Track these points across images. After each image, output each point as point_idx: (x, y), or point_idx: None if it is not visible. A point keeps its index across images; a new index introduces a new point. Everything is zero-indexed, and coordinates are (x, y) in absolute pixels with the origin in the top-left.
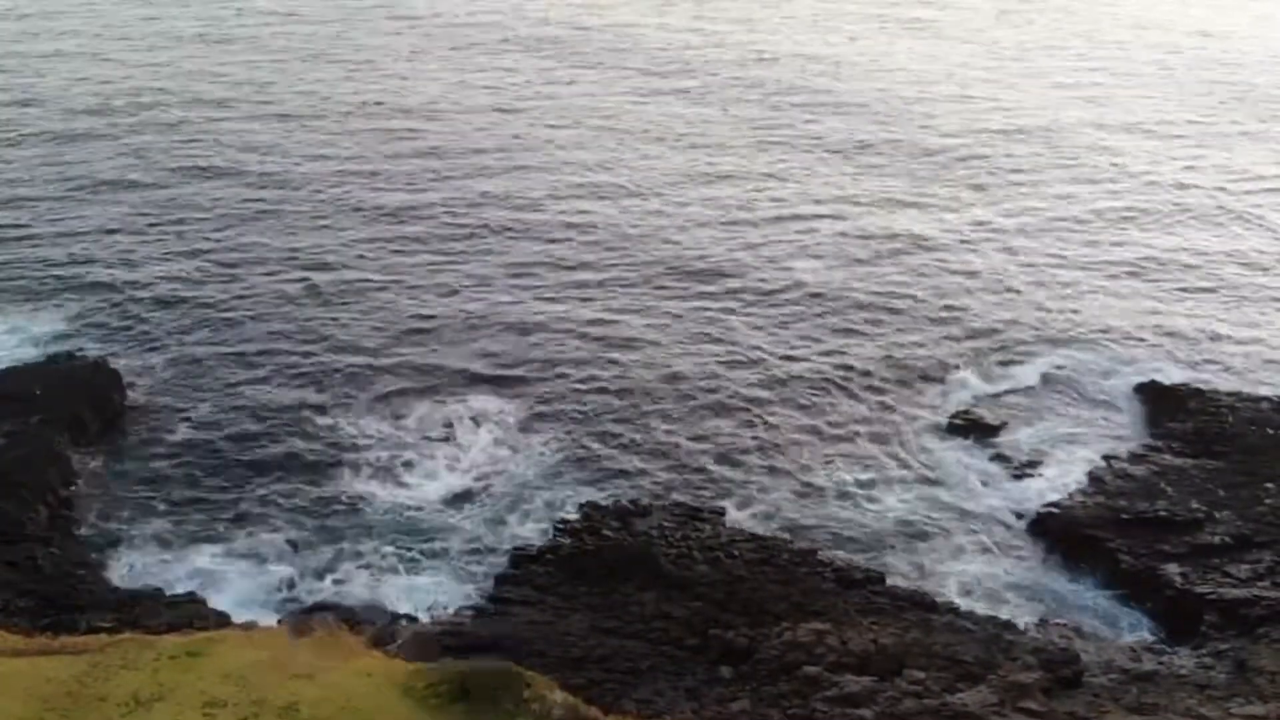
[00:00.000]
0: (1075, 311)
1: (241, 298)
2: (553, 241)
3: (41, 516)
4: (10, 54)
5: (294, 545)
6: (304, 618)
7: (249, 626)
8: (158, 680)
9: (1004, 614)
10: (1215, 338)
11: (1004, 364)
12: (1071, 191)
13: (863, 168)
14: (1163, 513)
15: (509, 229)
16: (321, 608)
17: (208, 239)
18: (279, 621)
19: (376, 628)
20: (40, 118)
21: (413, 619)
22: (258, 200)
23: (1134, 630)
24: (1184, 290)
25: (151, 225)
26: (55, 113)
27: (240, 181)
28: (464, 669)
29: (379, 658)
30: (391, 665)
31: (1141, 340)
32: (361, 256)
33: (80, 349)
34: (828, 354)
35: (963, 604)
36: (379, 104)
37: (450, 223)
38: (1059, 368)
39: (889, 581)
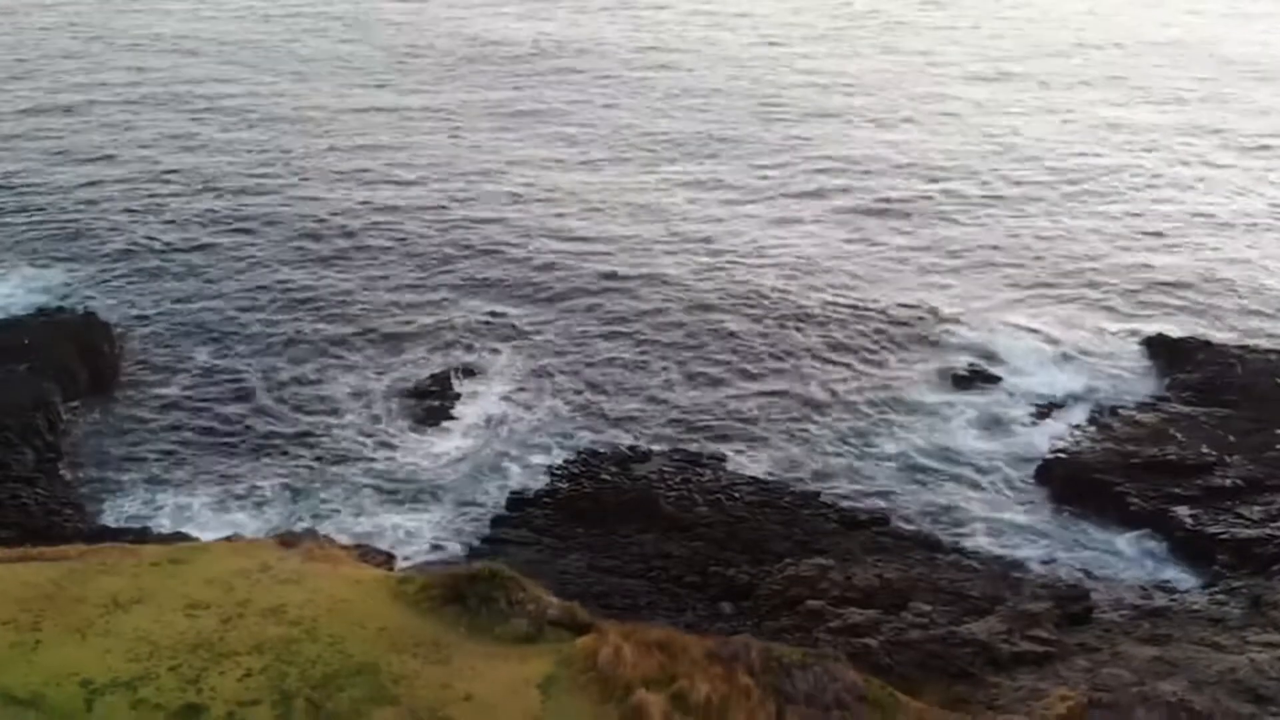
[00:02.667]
0: (1081, 266)
1: (237, 258)
2: (552, 200)
3: (28, 459)
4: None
5: (289, 490)
6: (293, 533)
7: (234, 539)
8: (138, 584)
9: (1011, 555)
10: (1222, 292)
11: (1008, 317)
12: (1081, 150)
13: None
14: (1172, 457)
15: (507, 195)
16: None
17: (203, 201)
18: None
19: (368, 551)
20: (35, 88)
21: (407, 559)
22: (253, 166)
23: (1144, 570)
24: (1186, 245)
25: (146, 187)
26: (46, 82)
27: (235, 147)
28: (456, 572)
29: (368, 567)
30: (381, 573)
31: (1148, 294)
32: (359, 218)
33: (71, 303)
34: (830, 306)
35: (969, 545)
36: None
37: (447, 186)
38: (1063, 321)
39: (893, 524)
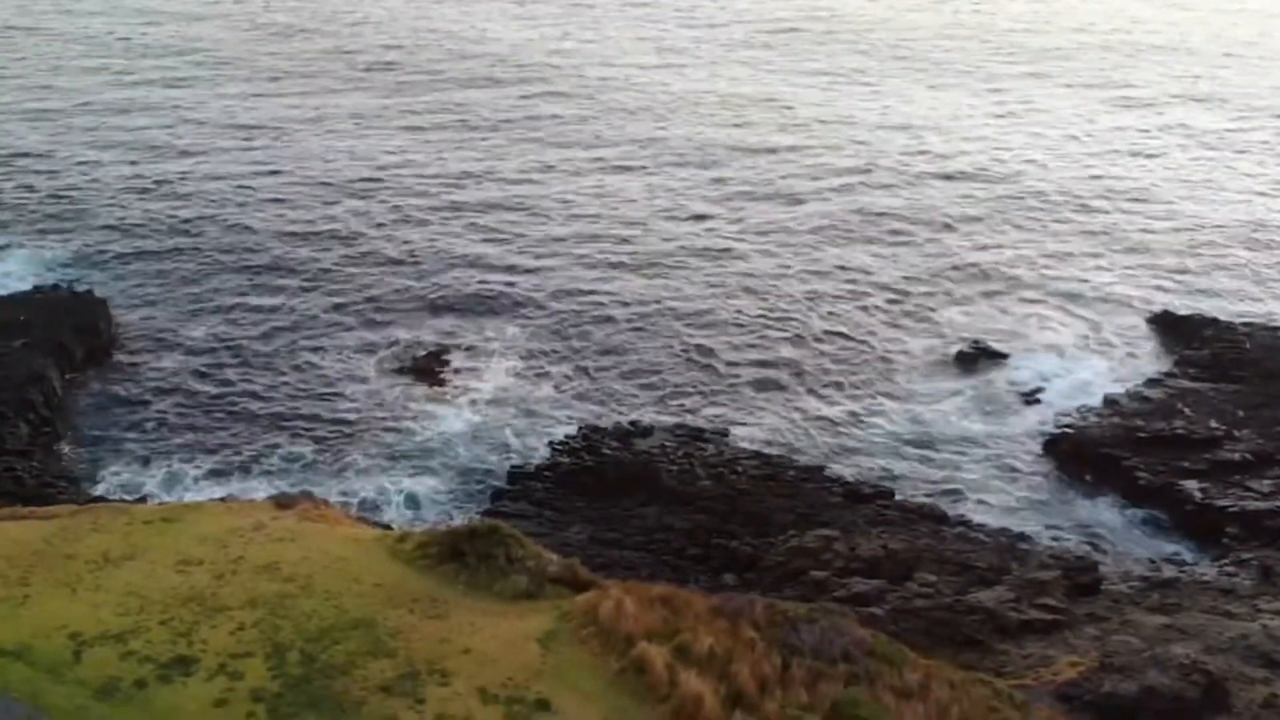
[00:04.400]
0: (1082, 244)
1: (235, 236)
2: (561, 189)
3: (22, 432)
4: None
5: (286, 463)
6: (289, 495)
7: (228, 499)
8: (130, 542)
9: (1018, 527)
10: (1226, 269)
11: (1011, 296)
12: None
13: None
14: (1180, 431)
15: (511, 180)
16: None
17: (200, 182)
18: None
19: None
20: (31, 72)
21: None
22: (254, 147)
23: (1153, 543)
24: (1187, 223)
25: (143, 168)
26: (44, 66)
27: (235, 129)
28: (455, 529)
29: (365, 526)
30: (377, 532)
31: (1152, 271)
32: (360, 199)
33: (68, 280)
34: (834, 285)
35: (975, 517)
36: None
37: (451, 170)
38: (1067, 299)
39: (898, 497)
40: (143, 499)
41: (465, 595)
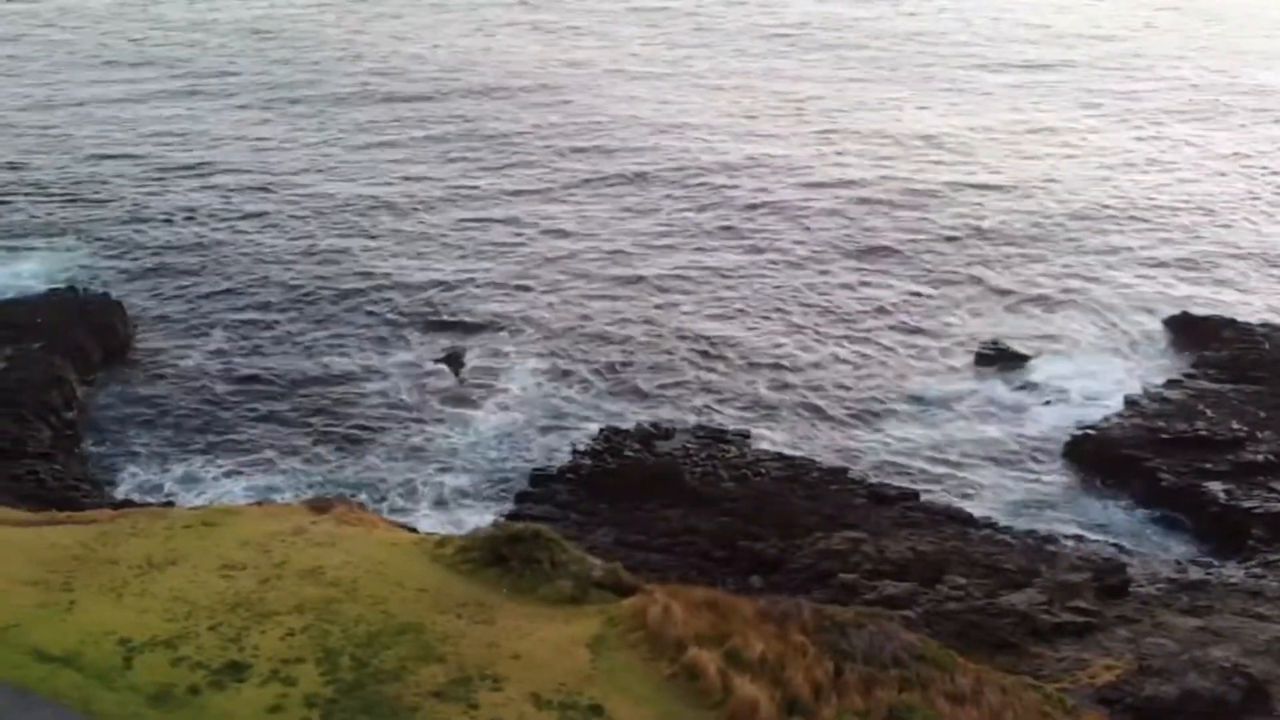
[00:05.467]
0: (1099, 245)
1: (252, 238)
2: (580, 194)
3: (44, 435)
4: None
5: (308, 464)
6: (323, 498)
7: (264, 503)
8: (171, 546)
9: (1043, 529)
10: (1242, 270)
11: (1030, 299)
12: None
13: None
14: (1203, 433)
15: (531, 187)
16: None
17: (217, 182)
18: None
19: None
20: (47, 76)
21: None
22: (271, 149)
23: (1178, 545)
24: (1203, 224)
25: (159, 170)
26: (59, 71)
27: (251, 132)
28: (496, 533)
29: (402, 530)
30: (416, 536)
31: (1166, 274)
32: (378, 201)
33: (85, 282)
34: (852, 291)
35: (1000, 519)
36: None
37: (463, 179)
38: (1084, 302)
39: (923, 499)
40: (170, 502)
41: (510, 599)
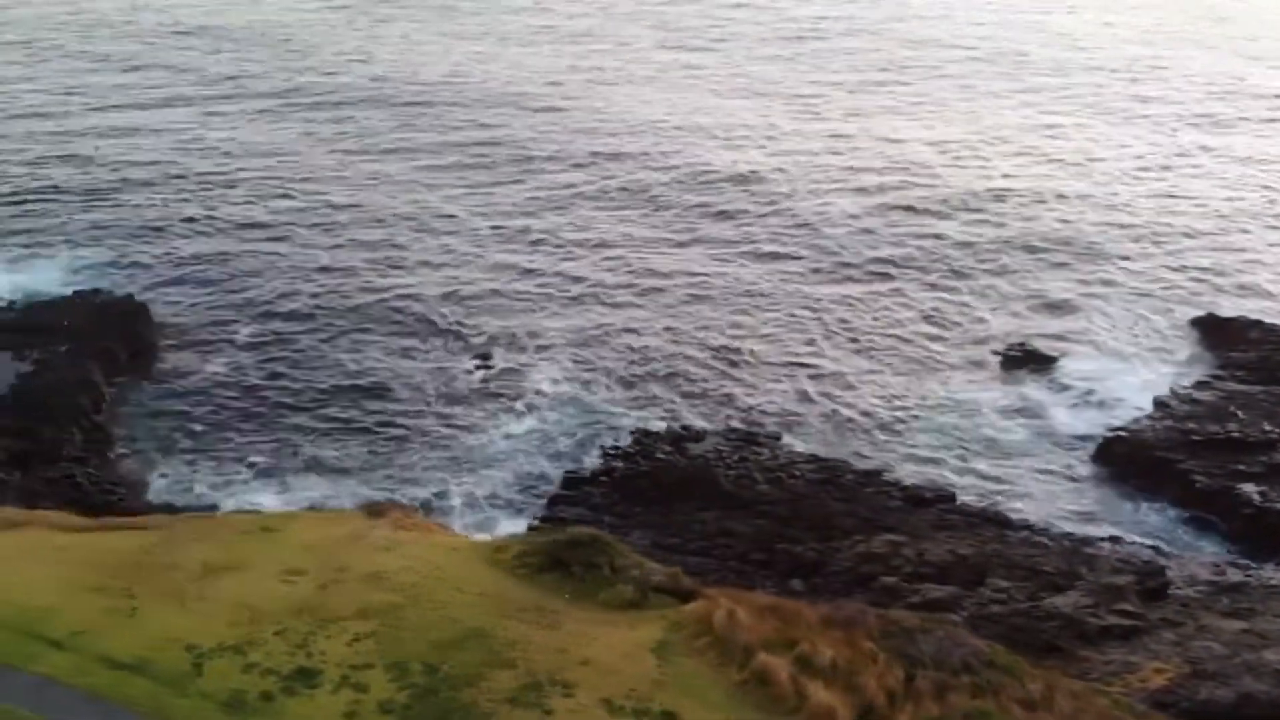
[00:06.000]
0: (1125, 249)
1: (277, 241)
2: (605, 193)
3: (77, 439)
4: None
5: (342, 465)
6: (378, 503)
7: (318, 508)
8: (230, 551)
9: (1079, 531)
10: (1270, 273)
11: (1053, 303)
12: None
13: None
14: (1235, 434)
15: (558, 193)
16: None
17: (240, 186)
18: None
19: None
20: (68, 80)
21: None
22: (296, 152)
23: (1213, 546)
24: (1225, 229)
25: (182, 173)
26: (80, 75)
27: (276, 135)
28: (555, 537)
29: (460, 535)
30: (474, 540)
31: (1188, 277)
32: (402, 208)
33: (110, 284)
34: (874, 296)
35: (1036, 521)
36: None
37: (498, 178)
38: (1108, 305)
39: (958, 501)
40: (214, 506)
41: (572, 604)
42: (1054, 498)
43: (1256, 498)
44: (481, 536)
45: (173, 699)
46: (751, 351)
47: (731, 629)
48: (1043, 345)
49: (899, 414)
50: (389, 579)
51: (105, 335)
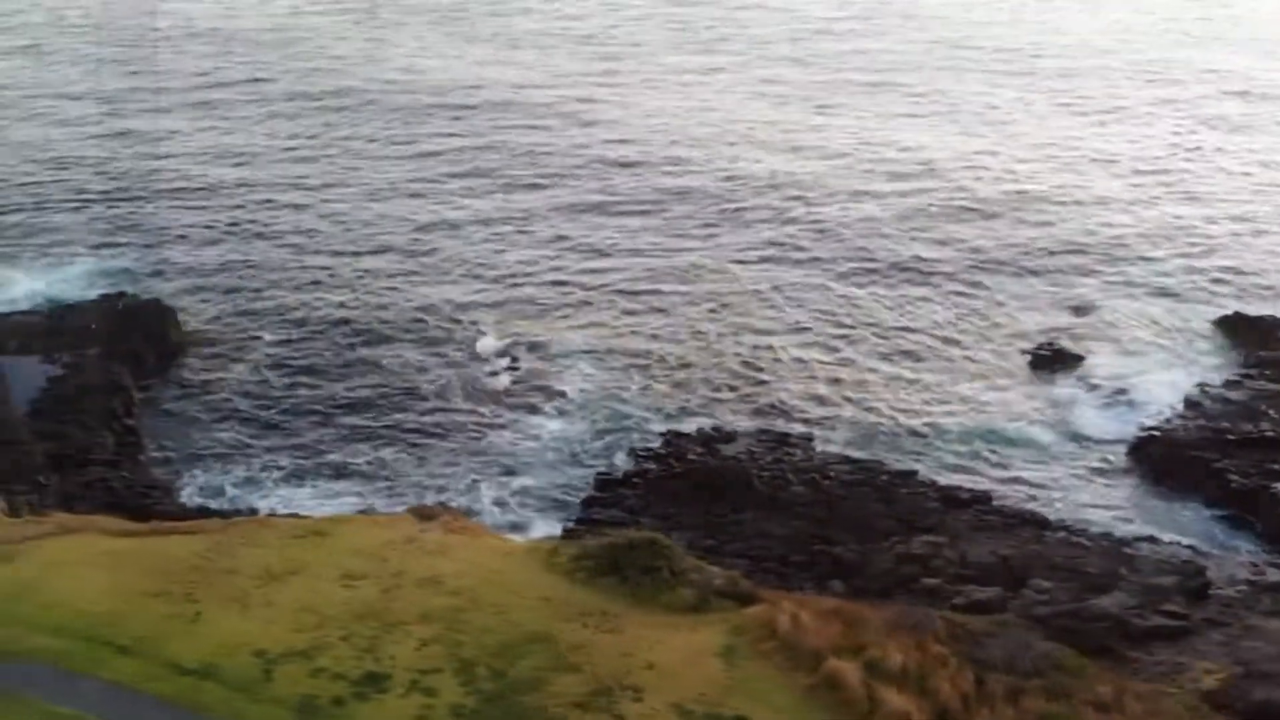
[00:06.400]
0: (1153, 252)
1: (302, 243)
2: (638, 200)
3: (109, 443)
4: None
5: (373, 466)
6: (428, 506)
7: (369, 512)
8: (287, 556)
9: (1117, 531)
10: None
11: (1078, 304)
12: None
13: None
14: (1268, 433)
15: (589, 191)
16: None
17: (265, 189)
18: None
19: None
20: (92, 82)
21: None
22: (316, 157)
23: (1249, 545)
24: (1249, 228)
25: (206, 175)
26: (104, 77)
27: (300, 139)
28: (614, 541)
29: (512, 538)
30: (529, 543)
31: (1220, 277)
32: (423, 210)
33: (136, 288)
34: (900, 300)
35: (1074, 522)
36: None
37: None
38: (1134, 306)
39: (995, 501)
40: (253, 510)
41: (633, 608)
42: (1089, 497)
43: None
44: (517, 538)
45: (246, 704)
46: (780, 353)
47: (797, 633)
48: (1070, 345)
49: (929, 414)
50: (447, 583)
51: (132, 339)
